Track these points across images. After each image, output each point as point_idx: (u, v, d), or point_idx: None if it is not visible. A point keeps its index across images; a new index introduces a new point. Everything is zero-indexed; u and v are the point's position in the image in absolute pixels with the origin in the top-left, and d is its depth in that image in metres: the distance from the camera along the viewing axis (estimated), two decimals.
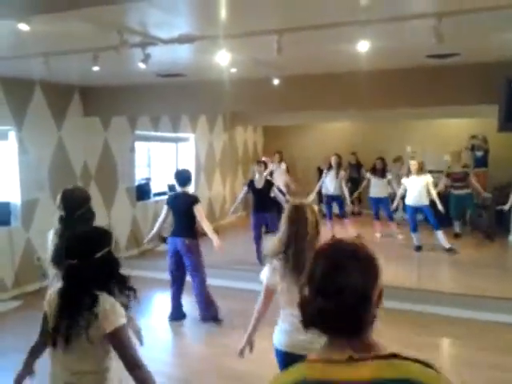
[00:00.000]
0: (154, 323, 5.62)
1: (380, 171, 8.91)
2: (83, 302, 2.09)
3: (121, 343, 2.11)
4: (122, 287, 2.22)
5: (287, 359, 2.65)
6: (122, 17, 3.53)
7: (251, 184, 7.48)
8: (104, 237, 2.26)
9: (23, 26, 3.05)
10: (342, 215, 8.94)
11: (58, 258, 3.19)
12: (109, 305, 2.12)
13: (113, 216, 7.92)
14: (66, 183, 6.98)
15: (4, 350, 4.71)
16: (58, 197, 3.35)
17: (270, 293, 2.80)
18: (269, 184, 7.35)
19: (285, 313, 2.72)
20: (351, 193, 11.12)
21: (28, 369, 2.46)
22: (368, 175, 9.18)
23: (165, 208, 5.64)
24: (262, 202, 7.28)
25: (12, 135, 6.35)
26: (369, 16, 3.37)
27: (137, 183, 8.67)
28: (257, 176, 7.45)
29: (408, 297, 5.87)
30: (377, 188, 8.96)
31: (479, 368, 4.35)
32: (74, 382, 2.13)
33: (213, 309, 5.49)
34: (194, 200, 5.46)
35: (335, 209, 9.04)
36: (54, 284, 3.20)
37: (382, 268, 1.24)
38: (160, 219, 5.72)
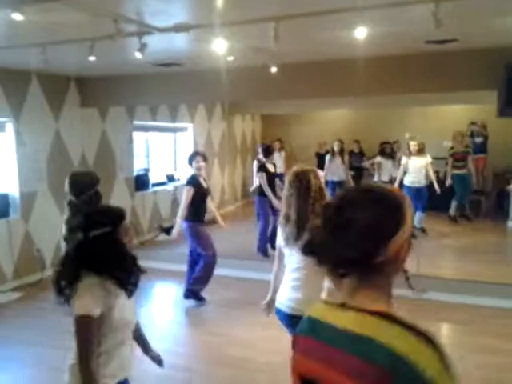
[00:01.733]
0: (154, 313, 5.64)
1: (389, 155, 8.97)
2: (70, 273, 2.09)
3: (76, 331, 2.04)
4: (122, 269, 2.16)
5: (289, 319, 2.76)
6: (117, 5, 3.49)
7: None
8: (114, 214, 2.22)
9: (17, 16, 3.02)
10: None
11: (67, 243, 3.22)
12: (82, 289, 2.05)
13: None
14: (64, 175, 6.95)
15: (4, 341, 4.74)
16: (66, 181, 3.37)
17: (280, 253, 2.91)
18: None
19: (287, 274, 2.83)
20: (353, 181, 11.24)
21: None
22: (378, 159, 9.18)
23: (190, 191, 5.46)
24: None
25: (9, 127, 6.31)
26: (366, 1, 3.34)
27: (135, 174, 8.65)
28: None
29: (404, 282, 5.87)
30: (389, 171, 8.99)
31: (481, 353, 4.37)
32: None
33: (200, 288, 5.53)
34: (185, 182, 5.57)
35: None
36: None
37: (409, 219, 1.14)
38: (185, 204, 5.48)
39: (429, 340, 1.07)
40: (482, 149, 9.94)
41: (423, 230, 8.02)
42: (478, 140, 9.92)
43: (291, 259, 2.78)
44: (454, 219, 9.04)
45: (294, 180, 2.72)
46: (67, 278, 2.10)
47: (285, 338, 3.29)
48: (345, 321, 1.11)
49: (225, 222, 5.90)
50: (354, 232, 1.09)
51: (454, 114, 10.53)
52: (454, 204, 9.00)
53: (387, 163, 9.01)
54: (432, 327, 3.75)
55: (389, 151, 9.02)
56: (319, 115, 12.23)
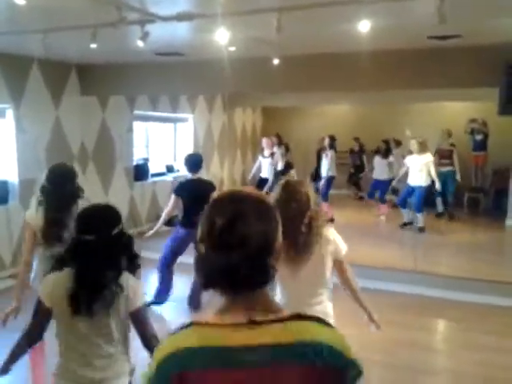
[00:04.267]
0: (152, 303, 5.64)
1: (382, 152, 8.95)
2: (106, 279, 2.03)
3: (143, 319, 2.12)
4: (133, 265, 2.18)
5: None
6: None
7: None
8: (116, 214, 2.21)
9: (19, 0, 3.00)
10: (323, 196, 8.92)
11: (49, 232, 3.19)
12: (134, 283, 2.12)
13: (110, 196, 7.90)
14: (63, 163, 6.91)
15: (1, 327, 4.73)
16: (44, 173, 3.37)
17: None
18: (288, 167, 7.46)
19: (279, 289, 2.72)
20: (350, 178, 11.28)
21: (5, 368, 2.28)
22: (374, 157, 9.25)
23: (173, 197, 5.27)
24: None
25: (9, 113, 6.30)
26: None
27: (135, 163, 8.63)
28: (279, 158, 7.63)
29: (406, 279, 5.91)
30: (379, 168, 9.01)
31: (477, 350, 4.40)
32: (107, 364, 2.10)
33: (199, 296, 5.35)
34: (211, 186, 5.18)
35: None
36: (45, 260, 3.20)
37: (279, 220, 1.16)
38: (167, 210, 5.36)
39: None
40: (482, 146, 9.95)
41: (422, 229, 8.01)
42: (478, 137, 9.92)
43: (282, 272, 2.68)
44: (441, 215, 9.07)
45: (281, 197, 2.49)
46: (111, 279, 2.05)
47: None
48: (270, 336, 1.05)
49: None
50: (250, 247, 1.06)
51: (455, 111, 10.52)
52: (438, 201, 9.01)
53: (382, 162, 9.00)
54: (428, 324, 3.76)
55: (384, 149, 9.01)
56: (320, 110, 12.19)
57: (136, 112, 8.41)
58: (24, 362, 2.45)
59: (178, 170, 9.52)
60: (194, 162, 5.28)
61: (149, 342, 2.10)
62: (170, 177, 9.41)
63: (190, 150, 9.73)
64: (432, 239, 7.83)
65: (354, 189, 11.49)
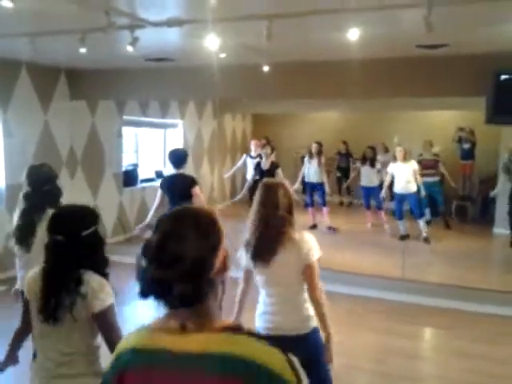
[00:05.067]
0: (140, 311, 5.60)
1: (370, 160, 8.95)
2: (69, 281, 2.03)
3: (107, 324, 2.07)
4: (102, 269, 2.16)
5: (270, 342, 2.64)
6: None
7: (258, 165, 7.61)
8: (91, 215, 2.20)
9: (6, 3, 2.98)
10: (322, 203, 8.92)
11: (22, 236, 3.15)
12: (97, 283, 2.07)
13: (99, 202, 7.85)
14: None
15: None
16: (24, 173, 3.31)
17: (247, 275, 2.76)
18: (274, 166, 7.45)
19: (261, 294, 2.73)
20: (339, 182, 11.25)
21: (12, 356, 2.40)
22: (358, 165, 9.24)
23: (159, 192, 5.26)
24: None
25: None
26: (359, 3, 3.35)
27: (124, 169, 8.59)
28: (264, 158, 7.56)
29: (394, 286, 5.92)
30: (367, 177, 9.01)
31: (465, 358, 4.40)
32: (65, 362, 2.08)
33: None
34: (191, 181, 5.08)
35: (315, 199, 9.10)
36: (25, 265, 3.16)
37: (224, 233, 1.21)
38: (154, 205, 5.35)
39: (272, 344, 1.11)
40: (469, 155, 10.04)
41: (427, 239, 7.99)
42: (466, 146, 10.01)
43: (264, 278, 2.65)
44: (429, 223, 9.01)
45: (262, 197, 2.60)
46: (70, 284, 2.03)
47: None
48: (196, 344, 1.09)
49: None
50: (182, 264, 1.10)
51: (443, 120, 10.62)
52: (426, 210, 9.08)
53: (366, 168, 9.02)
54: (415, 331, 3.76)
55: (370, 156, 9.02)
56: (310, 116, 12.25)
57: (125, 117, 8.38)
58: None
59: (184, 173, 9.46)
60: (178, 157, 5.20)
61: (112, 349, 2.05)
62: (159, 182, 9.35)
63: None
64: (420, 247, 7.86)
65: (343, 194, 11.48)
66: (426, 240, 7.95)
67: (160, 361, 1.11)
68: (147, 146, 9.58)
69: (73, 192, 7.38)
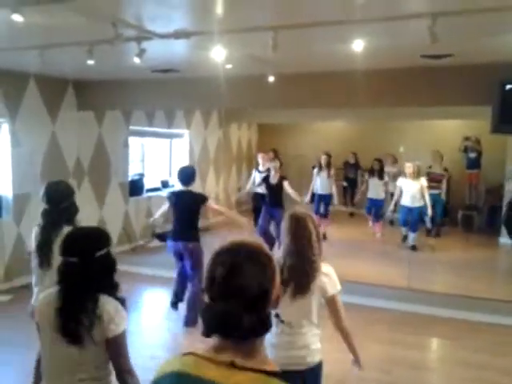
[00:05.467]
0: (144, 319, 5.61)
1: (378, 172, 8.98)
2: (87, 301, 2.03)
3: (118, 349, 2.06)
4: (115, 292, 2.15)
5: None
6: (117, 9, 3.51)
7: (266, 179, 7.67)
8: (104, 236, 2.21)
9: (17, 17, 3.03)
10: (325, 214, 8.96)
11: (42, 254, 3.17)
12: (113, 308, 2.06)
13: (105, 211, 7.89)
14: (59, 178, 6.92)
15: None
16: (42, 190, 3.35)
17: None
18: (282, 179, 7.49)
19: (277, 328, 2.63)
20: (345, 192, 11.27)
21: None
22: (366, 177, 9.27)
23: (166, 204, 5.35)
24: (276, 197, 7.46)
25: (5, 128, 6.31)
26: (364, 15, 3.38)
27: (130, 179, 8.64)
28: (272, 172, 7.63)
29: (399, 296, 5.90)
30: (375, 190, 9.04)
31: (471, 369, 4.38)
32: None
33: (196, 314, 5.16)
34: (201, 198, 5.19)
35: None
36: (42, 285, 3.17)
37: (277, 270, 1.25)
38: (159, 212, 5.50)
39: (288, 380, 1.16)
40: (475, 164, 10.02)
41: (414, 248, 8.07)
42: (472, 155, 10.00)
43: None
44: (430, 232, 9.17)
45: (293, 229, 2.57)
46: (88, 304, 2.03)
47: None
48: (242, 381, 1.12)
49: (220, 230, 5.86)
50: (250, 296, 1.15)
51: (449, 129, 10.62)
52: (427, 219, 9.07)
53: (374, 180, 9.05)
54: (420, 341, 3.76)
55: (377, 168, 9.06)
56: (316, 126, 12.27)
57: (132, 127, 8.43)
58: (10, 364, 2.44)
59: (173, 186, 9.51)
60: (187, 175, 5.28)
61: (120, 376, 2.06)
62: (165, 192, 9.40)
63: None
64: (425, 256, 7.84)
65: (347, 204, 11.51)
66: (414, 248, 8.02)
67: None
68: (153, 156, 9.63)
69: (79, 202, 7.37)
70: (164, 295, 6.20)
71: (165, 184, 9.64)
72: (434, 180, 8.72)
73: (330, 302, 2.60)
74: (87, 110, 7.38)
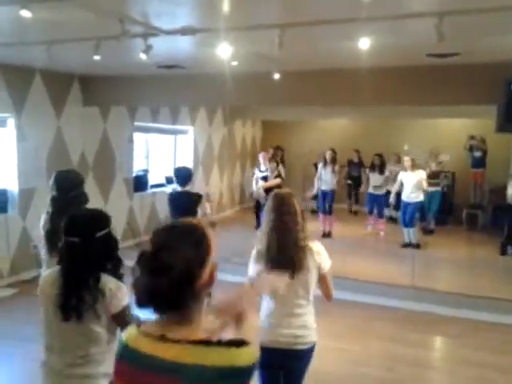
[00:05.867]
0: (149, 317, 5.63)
1: (378, 167, 9.00)
2: (88, 278, 2.11)
3: (125, 320, 2.13)
4: (117, 269, 2.23)
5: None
6: (123, 5, 3.52)
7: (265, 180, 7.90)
8: (104, 217, 2.29)
9: (25, 13, 3.05)
10: (329, 211, 8.97)
11: (50, 242, 3.19)
12: (114, 284, 2.15)
13: (109, 207, 7.91)
14: None
15: None
16: (52, 178, 3.37)
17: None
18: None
19: (268, 304, 2.69)
20: (349, 190, 11.28)
21: None
22: (367, 172, 9.32)
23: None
24: None
25: (11, 122, 6.34)
26: (370, 13, 3.38)
27: (134, 174, 8.66)
28: (269, 173, 7.77)
29: (404, 295, 5.91)
30: (375, 184, 9.06)
31: (472, 367, 4.40)
32: (78, 363, 2.13)
33: None
34: (198, 197, 5.19)
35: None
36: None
37: (213, 247, 1.32)
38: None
39: (240, 344, 1.25)
40: (480, 163, 10.00)
41: (413, 245, 8.08)
42: (477, 154, 9.98)
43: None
44: (429, 232, 9.25)
45: (276, 206, 2.61)
46: (90, 281, 2.11)
47: None
48: (171, 353, 1.22)
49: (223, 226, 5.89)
50: (171, 273, 1.21)
51: (454, 128, 10.59)
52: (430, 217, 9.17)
53: (374, 176, 9.07)
54: (425, 340, 3.77)
55: (378, 163, 9.08)
56: (320, 123, 12.26)
57: (137, 123, 8.45)
58: (18, 357, 2.47)
59: (189, 190, 9.54)
60: (183, 175, 5.31)
61: None
62: (169, 188, 9.43)
63: (190, 162, 9.79)
64: (430, 255, 7.84)
65: (351, 202, 11.54)
66: (415, 245, 8.04)
67: (141, 362, 1.25)
68: (158, 152, 9.65)
69: None
70: None
71: (169, 180, 9.63)
72: (431, 176, 8.70)
73: (324, 277, 2.68)
74: (92, 105, 7.40)
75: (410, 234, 8.12)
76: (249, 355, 1.24)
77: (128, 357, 1.29)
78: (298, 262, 2.54)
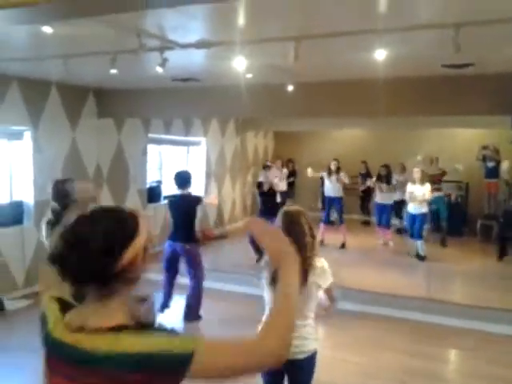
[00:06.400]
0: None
1: (385, 178, 9.01)
2: None
3: None
4: None
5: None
6: (140, 20, 3.57)
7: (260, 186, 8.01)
8: None
9: (47, 29, 3.11)
10: (340, 221, 9.03)
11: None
12: None
13: None
14: None
15: (9, 348, 4.76)
16: (51, 187, 3.41)
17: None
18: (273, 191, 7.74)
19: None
20: (362, 202, 11.32)
21: None
22: (373, 180, 9.34)
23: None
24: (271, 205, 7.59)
25: (27, 135, 6.42)
26: (387, 24, 3.39)
27: (148, 186, 8.72)
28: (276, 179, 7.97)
29: (417, 306, 5.85)
30: (381, 194, 9.05)
31: (486, 380, 4.33)
32: None
33: (197, 308, 5.50)
34: (197, 200, 5.47)
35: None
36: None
37: (142, 231, 1.26)
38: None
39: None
40: (494, 173, 9.90)
41: (420, 257, 7.99)
42: (490, 164, 9.89)
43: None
44: (443, 243, 9.16)
45: (287, 225, 2.68)
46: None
47: None
48: (88, 342, 1.18)
49: (235, 237, 5.96)
50: (86, 247, 1.17)
51: (466, 138, 10.54)
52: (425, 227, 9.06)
53: (381, 186, 9.07)
54: (438, 352, 3.71)
55: (384, 174, 9.08)
56: (331, 134, 12.27)
57: (150, 135, 8.52)
58: (31, 368, 2.47)
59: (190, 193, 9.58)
60: (182, 179, 5.46)
61: None
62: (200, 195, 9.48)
63: (203, 173, 9.83)
64: (443, 266, 7.76)
65: (363, 213, 11.54)
66: (421, 257, 7.97)
67: (62, 352, 1.22)
68: (171, 164, 9.70)
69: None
70: (180, 303, 6.24)
71: None
72: (432, 181, 8.66)
73: (326, 292, 2.81)
74: (107, 117, 7.48)
75: (418, 245, 8.08)
76: (176, 341, 1.16)
77: (52, 347, 1.27)
78: (303, 277, 2.60)
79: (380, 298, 6.03)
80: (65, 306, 1.32)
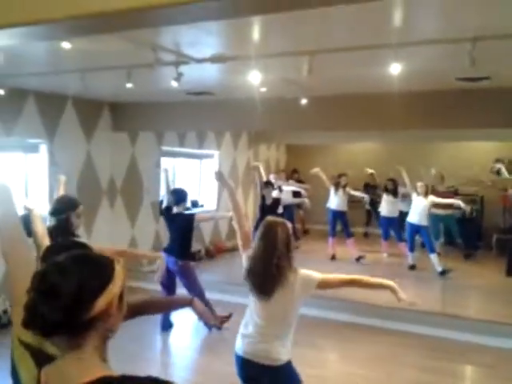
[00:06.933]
0: (171, 339, 5.61)
1: (391, 191, 8.99)
2: None
3: None
4: None
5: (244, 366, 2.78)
6: (156, 35, 3.62)
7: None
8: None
9: (66, 44, 3.16)
10: (347, 234, 8.99)
11: None
12: None
13: (136, 229, 8.00)
14: (92, 197, 7.04)
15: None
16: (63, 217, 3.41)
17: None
18: (276, 203, 7.77)
19: (251, 316, 2.80)
20: (369, 215, 11.29)
21: None
22: (380, 193, 9.38)
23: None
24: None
25: (43, 148, 6.51)
26: (402, 39, 3.39)
27: (161, 198, 8.74)
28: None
29: (433, 321, 5.76)
30: (388, 208, 9.03)
31: None
32: None
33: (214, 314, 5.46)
34: (192, 217, 5.53)
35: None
36: None
37: (118, 279, 1.20)
38: None
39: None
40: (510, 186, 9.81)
41: (443, 273, 7.88)
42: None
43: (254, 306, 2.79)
44: (467, 256, 9.10)
45: (262, 232, 2.74)
46: None
47: (305, 365, 3.22)
48: None
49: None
50: (58, 296, 1.11)
51: (480, 151, 10.45)
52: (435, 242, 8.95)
53: (389, 198, 9.02)
54: (453, 368, 3.65)
55: (391, 188, 9.04)
56: (344, 147, 12.26)
57: (164, 148, 8.58)
58: None
59: (203, 206, 9.61)
60: (178, 195, 5.61)
61: None
62: (194, 211, 9.48)
63: (215, 186, 9.86)
64: (460, 281, 7.64)
65: (370, 226, 11.54)
66: (443, 273, 7.83)
67: None
68: (184, 176, 9.75)
69: (112, 220, 7.56)
70: (189, 314, 6.20)
71: (194, 204, 9.71)
72: (443, 197, 8.60)
73: (322, 286, 2.72)
74: (122, 131, 7.56)
75: (433, 260, 7.98)
76: None
77: None
78: (270, 286, 2.64)
79: (395, 313, 5.95)
80: (38, 356, 1.25)
